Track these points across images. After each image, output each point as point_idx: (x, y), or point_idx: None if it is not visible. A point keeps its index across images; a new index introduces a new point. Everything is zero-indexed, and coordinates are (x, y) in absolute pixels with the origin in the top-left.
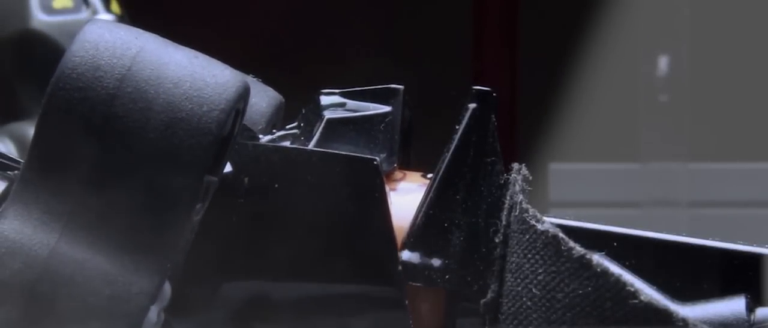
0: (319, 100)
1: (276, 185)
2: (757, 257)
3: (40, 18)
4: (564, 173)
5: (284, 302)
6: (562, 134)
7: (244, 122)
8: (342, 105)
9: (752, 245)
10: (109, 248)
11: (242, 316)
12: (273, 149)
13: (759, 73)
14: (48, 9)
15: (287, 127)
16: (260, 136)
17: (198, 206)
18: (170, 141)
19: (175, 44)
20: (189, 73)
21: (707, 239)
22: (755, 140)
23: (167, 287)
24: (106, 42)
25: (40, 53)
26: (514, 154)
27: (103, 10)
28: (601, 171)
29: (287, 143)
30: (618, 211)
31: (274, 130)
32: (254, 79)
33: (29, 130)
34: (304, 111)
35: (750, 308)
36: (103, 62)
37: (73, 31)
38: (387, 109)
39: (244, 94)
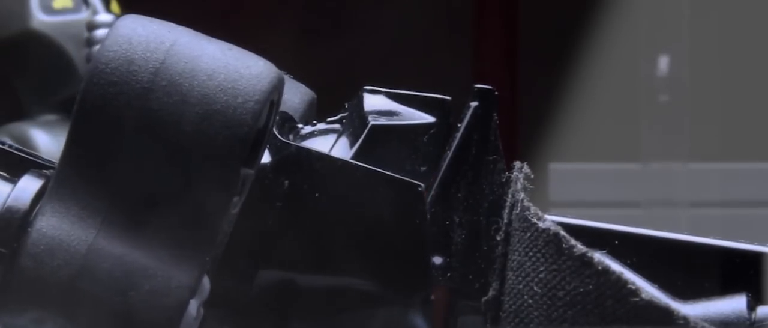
0: (362, 98)
1: (316, 194)
2: (758, 256)
3: (40, 18)
4: (564, 172)
5: (311, 310)
6: (562, 134)
7: (276, 119)
8: (387, 112)
9: (753, 244)
10: (147, 242)
11: (270, 317)
12: (317, 156)
13: (759, 73)
14: (48, 9)
15: (328, 120)
16: (300, 126)
17: (235, 199)
18: (206, 133)
19: (208, 37)
20: (223, 64)
21: (708, 237)
22: (756, 140)
23: (206, 281)
24: (139, 36)
25: (40, 53)
26: (515, 154)
27: (103, 11)
28: (602, 171)
29: (330, 138)
30: (618, 211)
31: (314, 121)
32: (287, 75)
33: (29, 130)
34: (346, 106)
35: (751, 307)
36: (136, 56)
37: (73, 31)
38: (432, 119)
39: (278, 86)
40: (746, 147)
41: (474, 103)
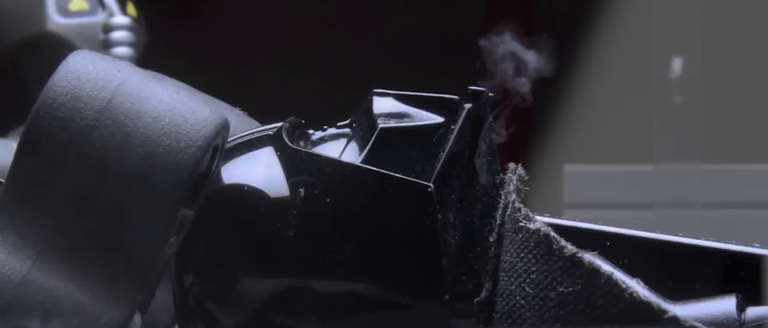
0: (371, 101)
1: (328, 199)
2: (751, 258)
3: (56, 20)
4: (579, 174)
5: (326, 313)
6: (576, 136)
7: (286, 126)
8: (396, 114)
9: (748, 245)
10: (81, 277)
11: (282, 314)
12: (327, 161)
13: None
14: (64, 11)
15: (339, 124)
16: (311, 131)
17: (172, 240)
18: (146, 175)
19: (160, 78)
20: (169, 108)
21: (700, 239)
22: None
23: (138, 319)
24: (88, 73)
25: (56, 55)
26: (530, 157)
27: (118, 13)
28: (616, 173)
29: (340, 142)
30: (632, 212)
31: (325, 127)
32: (241, 113)
33: None
34: (356, 110)
35: (741, 308)
36: (84, 94)
37: (89, 33)
38: (440, 119)
39: (222, 132)
40: (760, 149)
41: (467, 105)
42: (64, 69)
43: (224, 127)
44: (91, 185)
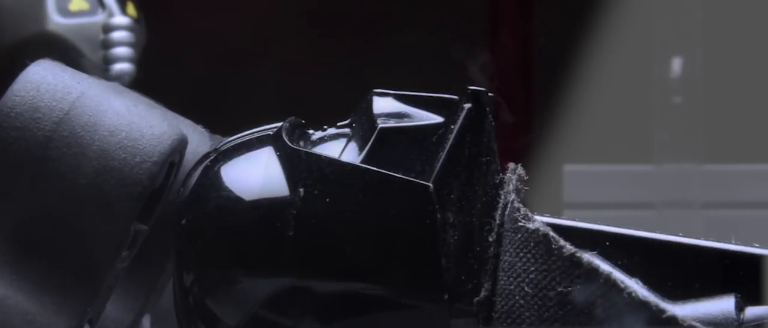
0: (371, 101)
1: (327, 199)
2: (751, 258)
3: (56, 20)
4: (578, 174)
5: (325, 314)
6: (576, 136)
7: (285, 126)
8: (396, 114)
9: (748, 245)
10: (31, 287)
11: (282, 314)
12: (327, 161)
13: None
14: (64, 11)
15: (339, 124)
16: (311, 131)
17: (124, 254)
18: (101, 189)
19: (121, 90)
20: (126, 122)
21: (700, 239)
22: None
23: None
24: (48, 84)
25: (56, 56)
26: (530, 157)
27: (118, 13)
28: (615, 173)
29: (340, 142)
30: (632, 212)
31: (325, 127)
32: (204, 130)
33: None
34: (356, 110)
35: (740, 308)
36: (42, 104)
37: (89, 33)
38: (440, 119)
39: (179, 147)
40: (760, 148)
41: (467, 105)
42: (24, 79)
43: (181, 143)
44: (44, 196)
